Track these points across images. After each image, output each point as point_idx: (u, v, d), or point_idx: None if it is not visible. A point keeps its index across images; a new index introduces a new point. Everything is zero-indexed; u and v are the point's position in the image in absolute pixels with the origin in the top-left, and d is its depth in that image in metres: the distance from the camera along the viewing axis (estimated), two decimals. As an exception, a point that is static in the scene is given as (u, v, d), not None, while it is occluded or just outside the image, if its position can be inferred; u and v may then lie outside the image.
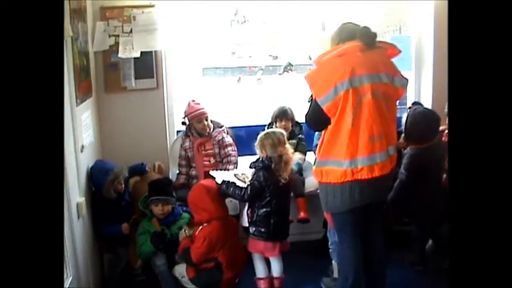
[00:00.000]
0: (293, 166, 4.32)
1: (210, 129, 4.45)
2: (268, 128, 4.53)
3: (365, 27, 3.26)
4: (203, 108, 4.42)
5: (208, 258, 3.66)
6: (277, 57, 5.71)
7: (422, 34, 4.98)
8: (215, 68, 13.27)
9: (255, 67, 5.76)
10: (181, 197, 4.15)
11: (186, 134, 4.50)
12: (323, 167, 3.25)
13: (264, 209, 3.72)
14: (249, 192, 3.68)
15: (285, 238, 3.87)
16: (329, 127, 3.18)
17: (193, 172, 4.49)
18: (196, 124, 4.42)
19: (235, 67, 6.59)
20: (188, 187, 4.28)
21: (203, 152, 4.43)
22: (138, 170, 4.31)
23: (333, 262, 3.95)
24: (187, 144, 4.48)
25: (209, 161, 4.44)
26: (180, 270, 3.82)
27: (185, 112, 4.43)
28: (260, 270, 3.89)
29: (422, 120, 3.97)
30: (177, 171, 4.58)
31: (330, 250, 3.94)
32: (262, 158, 3.73)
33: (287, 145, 3.81)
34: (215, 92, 5.97)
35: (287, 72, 4.97)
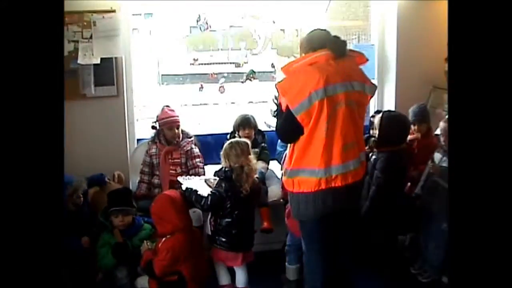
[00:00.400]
0: (256, 175, 4.28)
1: (179, 138, 4.37)
2: (230, 137, 4.48)
3: (335, 36, 3.28)
4: (177, 116, 4.36)
5: (171, 271, 3.56)
6: (240, 65, 5.65)
7: (385, 42, 5.02)
8: (175, 75, 13.19)
9: (217, 74, 5.68)
10: (142, 207, 4.06)
11: (153, 140, 4.40)
12: (295, 177, 3.20)
13: (226, 219, 3.69)
14: (208, 202, 3.65)
15: (248, 249, 3.84)
16: (302, 136, 3.12)
17: (156, 181, 4.38)
18: (167, 131, 4.34)
19: (196, 73, 6.50)
20: (150, 197, 4.20)
21: (170, 160, 4.34)
22: (97, 181, 4.19)
23: (287, 265, 4.06)
24: (153, 150, 4.38)
25: (175, 170, 4.35)
26: (143, 282, 3.72)
27: (157, 117, 4.34)
28: (222, 278, 3.86)
29: (398, 123, 3.99)
30: (138, 179, 4.46)
31: (287, 249, 4.04)
32: (225, 168, 3.70)
33: (251, 156, 3.78)
34: (176, 99, 5.84)
35: (250, 80, 4.91)
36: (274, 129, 3.84)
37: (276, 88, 3.18)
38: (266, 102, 4.18)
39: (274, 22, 4.73)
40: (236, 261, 3.78)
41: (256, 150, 4.50)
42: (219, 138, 4.60)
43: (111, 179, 4.28)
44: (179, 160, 4.37)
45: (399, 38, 4.87)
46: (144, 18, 5.25)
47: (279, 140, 4.51)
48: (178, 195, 3.74)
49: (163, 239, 3.58)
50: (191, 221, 3.78)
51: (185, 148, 4.38)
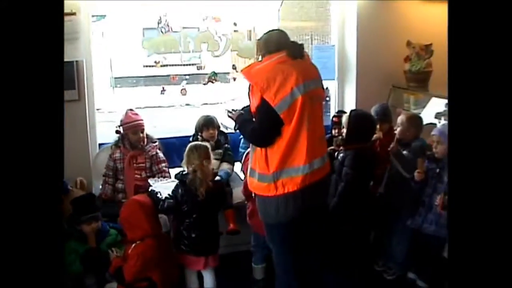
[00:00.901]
0: (221, 175, 4.28)
1: (144, 142, 4.31)
2: (193, 139, 4.46)
3: (292, 41, 3.36)
4: (141, 120, 4.30)
5: (142, 277, 3.51)
6: (202, 67, 5.63)
7: (345, 42, 5.08)
8: (129, 77, 13.06)
9: (177, 75, 5.64)
10: (106, 213, 3.99)
11: (117, 145, 4.32)
12: (278, 179, 3.18)
13: (185, 223, 3.69)
14: (164, 205, 3.66)
15: (211, 253, 3.80)
16: (283, 136, 3.12)
17: (120, 185, 4.31)
18: (131, 135, 4.28)
19: (157, 76, 6.44)
20: (114, 201, 4.13)
21: (135, 165, 4.28)
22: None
23: (253, 265, 4.16)
24: (117, 155, 4.30)
25: (140, 174, 4.29)
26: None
27: (121, 121, 4.26)
28: (189, 282, 3.85)
29: (366, 121, 4.05)
30: (102, 182, 4.36)
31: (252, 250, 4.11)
32: (182, 172, 3.73)
33: (209, 160, 3.76)
34: (130, 102, 5.77)
35: (212, 82, 4.88)
36: (233, 131, 3.89)
37: (255, 86, 3.12)
38: (224, 103, 4.20)
39: (235, 24, 4.72)
40: (199, 264, 3.76)
41: (220, 151, 4.51)
42: (182, 141, 4.55)
43: (73, 186, 4.18)
44: (143, 165, 4.31)
45: (359, 38, 4.93)
46: (96, 20, 5.16)
47: (241, 142, 4.51)
48: (147, 200, 3.70)
49: (133, 245, 3.53)
50: (160, 226, 3.75)
51: (150, 152, 4.32)
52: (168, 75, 5.71)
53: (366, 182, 4.05)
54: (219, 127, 4.59)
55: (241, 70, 3.28)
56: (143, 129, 4.31)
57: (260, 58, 3.32)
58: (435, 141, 3.71)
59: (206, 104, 11.35)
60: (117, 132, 4.35)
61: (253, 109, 3.22)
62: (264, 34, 3.41)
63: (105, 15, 4.45)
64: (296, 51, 3.24)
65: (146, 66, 13.61)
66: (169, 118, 4.44)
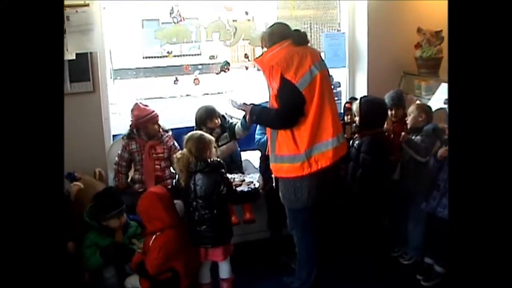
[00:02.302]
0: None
1: (160, 132, 4.31)
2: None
3: (296, 29, 3.52)
4: (154, 111, 4.28)
5: (165, 268, 3.52)
6: (214, 56, 5.61)
7: (355, 30, 5.08)
8: (129, 69, 13.00)
9: (192, 65, 5.61)
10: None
11: (130, 136, 4.29)
12: (312, 156, 3.28)
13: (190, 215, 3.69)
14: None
15: (218, 245, 3.70)
16: (310, 113, 3.24)
17: (137, 176, 4.30)
18: (150, 126, 4.26)
19: (169, 66, 6.40)
20: (131, 192, 4.15)
21: (154, 155, 4.26)
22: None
23: None
24: (133, 146, 4.27)
25: (160, 165, 4.28)
26: (133, 282, 3.67)
27: (136, 115, 4.24)
28: (201, 276, 3.81)
29: (377, 106, 4.10)
30: (115, 174, 4.35)
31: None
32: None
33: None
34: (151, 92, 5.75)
35: (224, 71, 4.87)
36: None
37: (274, 67, 3.22)
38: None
39: (246, 13, 4.71)
40: (209, 255, 3.72)
41: (226, 134, 4.51)
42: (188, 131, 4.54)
43: (91, 177, 4.18)
44: (162, 155, 4.30)
45: (370, 25, 4.92)
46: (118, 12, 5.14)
47: (257, 128, 4.52)
48: (165, 191, 3.71)
49: (153, 236, 3.54)
50: (179, 216, 3.75)
51: (168, 143, 4.32)
52: (171, 66, 5.70)
53: (384, 167, 4.06)
54: (219, 114, 4.58)
55: (255, 60, 3.34)
56: (158, 120, 4.32)
57: (266, 50, 3.45)
58: None
59: (207, 94, 11.35)
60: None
61: (273, 93, 3.29)
62: (268, 27, 3.57)
63: (104, 7, 4.39)
64: (300, 39, 3.41)
65: (146, 57, 13.63)
66: (172, 109, 4.41)
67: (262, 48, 3.51)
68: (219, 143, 4.43)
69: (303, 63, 3.24)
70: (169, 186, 4.22)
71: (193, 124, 4.48)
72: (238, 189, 3.80)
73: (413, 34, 4.88)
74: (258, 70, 3.53)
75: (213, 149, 3.71)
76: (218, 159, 3.68)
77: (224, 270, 3.80)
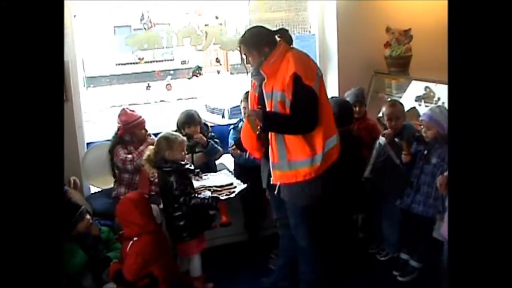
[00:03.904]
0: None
1: (148, 137, 4.36)
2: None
3: (282, 28, 3.56)
4: (141, 116, 4.33)
5: (143, 274, 3.52)
6: (186, 61, 5.62)
7: (325, 31, 5.13)
8: (102, 76, 12.92)
9: (163, 71, 5.61)
10: (98, 211, 4.10)
11: (120, 142, 4.30)
12: (326, 153, 3.34)
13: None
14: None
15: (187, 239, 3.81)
16: (322, 114, 3.31)
17: (137, 178, 4.32)
18: (138, 132, 4.30)
19: (143, 72, 6.39)
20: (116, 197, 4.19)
21: None
22: None
23: None
24: (131, 149, 4.29)
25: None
26: (111, 286, 3.66)
27: (123, 120, 4.25)
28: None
29: (344, 105, 4.25)
30: (116, 181, 4.36)
31: None
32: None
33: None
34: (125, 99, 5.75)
35: (196, 76, 4.88)
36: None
37: (297, 73, 3.20)
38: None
39: (217, 18, 4.72)
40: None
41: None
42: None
43: (66, 185, 4.16)
44: None
45: (339, 26, 4.97)
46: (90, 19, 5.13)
47: (230, 133, 4.54)
48: (141, 197, 3.73)
49: (130, 242, 3.54)
50: (156, 221, 3.77)
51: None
52: (144, 72, 5.70)
53: (354, 164, 4.11)
54: (200, 122, 4.59)
55: (262, 68, 3.30)
56: (145, 125, 4.39)
57: (255, 53, 3.38)
58: (425, 126, 3.79)
59: (181, 99, 11.34)
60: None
61: (280, 100, 3.26)
62: (247, 31, 3.54)
63: (75, 15, 4.36)
64: (291, 39, 3.50)
65: (119, 64, 13.57)
66: (146, 115, 4.43)
67: (244, 52, 3.44)
68: (196, 149, 4.46)
69: (311, 66, 3.36)
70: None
71: (168, 129, 4.50)
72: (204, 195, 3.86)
73: (382, 34, 4.94)
74: (256, 75, 3.46)
75: (178, 151, 3.78)
76: (182, 162, 3.76)
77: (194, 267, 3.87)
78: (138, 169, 4.21)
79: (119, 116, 4.28)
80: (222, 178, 4.23)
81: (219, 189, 3.99)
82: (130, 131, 4.27)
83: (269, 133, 3.37)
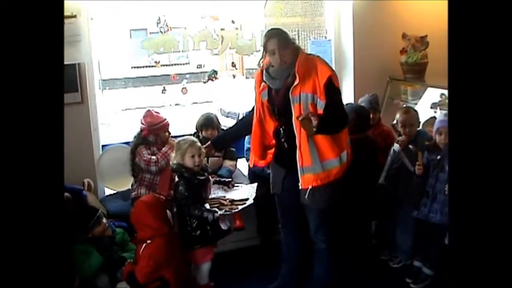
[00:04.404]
0: (222, 173, 4.36)
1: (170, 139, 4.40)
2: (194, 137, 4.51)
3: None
4: (166, 118, 4.36)
5: (155, 277, 3.53)
6: (202, 65, 5.64)
7: (341, 36, 5.13)
8: (117, 79, 12.98)
9: (179, 74, 5.64)
10: (112, 212, 4.14)
11: (144, 144, 4.29)
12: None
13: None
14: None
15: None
16: None
17: (158, 179, 4.31)
18: (162, 134, 4.32)
19: (159, 75, 6.41)
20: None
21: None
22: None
23: None
24: (154, 149, 4.30)
25: None
26: (124, 286, 3.67)
27: (148, 122, 4.27)
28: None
29: (360, 112, 4.26)
30: (137, 182, 4.32)
31: None
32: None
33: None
34: (140, 102, 5.78)
35: (212, 80, 4.90)
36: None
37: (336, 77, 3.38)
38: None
39: (233, 22, 4.74)
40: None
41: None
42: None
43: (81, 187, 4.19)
44: None
45: (355, 32, 4.97)
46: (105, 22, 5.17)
47: (246, 138, 4.55)
48: (155, 200, 3.73)
49: (143, 245, 3.56)
50: (170, 225, 3.78)
51: None
52: (160, 75, 5.70)
53: (370, 170, 4.11)
54: (218, 126, 4.61)
55: (297, 71, 3.31)
56: (169, 127, 4.41)
57: (289, 51, 3.37)
58: (445, 132, 3.76)
59: (196, 103, 11.38)
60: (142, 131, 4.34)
61: (323, 100, 3.30)
62: (274, 29, 3.50)
63: (92, 17, 4.41)
64: None
65: (135, 67, 13.63)
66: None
67: (277, 48, 3.34)
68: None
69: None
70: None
71: (184, 132, 4.54)
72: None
73: (398, 40, 4.94)
74: (273, 78, 3.46)
75: (189, 156, 3.67)
76: (190, 167, 3.68)
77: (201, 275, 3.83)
78: (161, 170, 4.22)
79: (144, 117, 4.29)
80: (246, 191, 4.07)
81: (228, 203, 3.87)
82: (155, 132, 4.28)
83: (299, 136, 3.37)
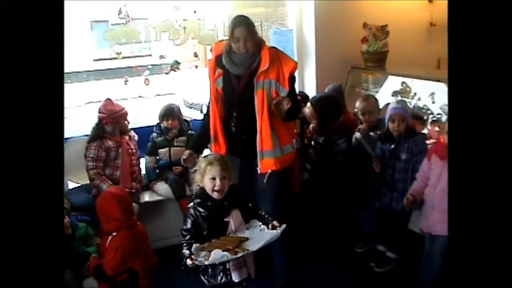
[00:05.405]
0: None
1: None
2: (156, 128, 4.52)
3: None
4: (124, 107, 4.35)
5: (123, 269, 3.51)
6: (164, 56, 5.60)
7: (303, 26, 5.17)
8: (78, 72, 12.77)
9: (141, 66, 5.59)
10: (75, 206, 4.07)
11: (101, 136, 4.28)
12: None
13: None
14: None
15: None
16: None
17: (118, 173, 4.32)
18: (122, 122, 4.33)
19: (121, 67, 6.35)
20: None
21: (129, 150, 4.35)
22: None
23: None
24: (110, 143, 4.28)
25: (134, 160, 4.42)
26: (91, 283, 3.65)
27: (109, 109, 4.26)
28: None
29: (333, 102, 4.35)
30: (95, 177, 4.23)
31: None
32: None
33: None
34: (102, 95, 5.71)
35: (174, 70, 4.88)
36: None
37: (295, 67, 3.47)
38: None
39: (195, 12, 4.73)
40: None
41: (183, 138, 4.59)
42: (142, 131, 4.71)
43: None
44: (134, 150, 4.42)
45: (317, 22, 5.03)
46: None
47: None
48: (122, 192, 3.71)
49: (109, 237, 3.53)
50: (135, 216, 3.76)
51: (135, 138, 4.47)
52: (122, 68, 5.66)
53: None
54: (180, 116, 4.64)
55: (270, 58, 3.38)
56: (127, 116, 4.41)
57: (254, 39, 3.42)
58: (398, 119, 3.82)
59: (159, 95, 11.29)
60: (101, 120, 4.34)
61: (286, 88, 3.38)
62: (240, 16, 3.53)
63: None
64: None
65: (97, 59, 13.41)
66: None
67: (245, 36, 3.36)
68: (174, 144, 4.49)
69: None
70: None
71: (148, 124, 4.55)
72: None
73: (359, 29, 5.01)
74: (234, 64, 3.47)
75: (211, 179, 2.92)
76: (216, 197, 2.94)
77: None
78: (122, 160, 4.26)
79: (103, 105, 4.30)
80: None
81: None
82: (115, 121, 4.28)
83: (261, 121, 3.40)
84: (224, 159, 3.00)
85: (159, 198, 4.52)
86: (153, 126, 4.64)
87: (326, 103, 4.21)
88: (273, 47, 3.59)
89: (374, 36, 4.98)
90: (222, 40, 3.92)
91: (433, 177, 3.47)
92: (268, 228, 2.92)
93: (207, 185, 2.91)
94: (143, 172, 4.61)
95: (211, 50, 3.73)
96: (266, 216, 3.03)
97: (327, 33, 5.04)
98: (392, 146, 3.86)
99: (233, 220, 2.93)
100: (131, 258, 3.51)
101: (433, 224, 3.43)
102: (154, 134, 4.59)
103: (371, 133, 4.11)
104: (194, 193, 3.02)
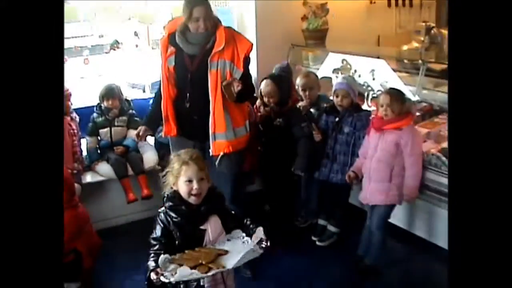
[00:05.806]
0: (128, 143, 4.45)
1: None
2: (96, 108, 4.49)
3: None
4: (67, 88, 4.29)
5: (67, 250, 3.49)
6: (102, 35, 5.52)
7: (242, 6, 5.18)
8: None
9: (81, 47, 5.50)
10: None
11: None
12: None
13: None
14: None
15: None
16: None
17: None
18: (65, 103, 4.22)
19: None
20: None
21: (71, 131, 4.27)
22: None
23: None
24: None
25: (76, 140, 4.34)
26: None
27: None
28: None
29: (287, 82, 4.35)
30: None
31: None
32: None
33: None
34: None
35: (114, 49, 4.84)
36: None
37: (251, 48, 3.48)
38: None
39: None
40: None
41: (124, 118, 4.58)
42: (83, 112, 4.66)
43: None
44: (76, 131, 4.35)
45: (257, 3, 5.04)
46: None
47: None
48: (65, 173, 3.67)
49: (51, 219, 3.51)
50: (77, 198, 3.74)
51: (76, 118, 4.41)
52: (72, 47, 5.55)
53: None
54: (120, 96, 4.62)
55: (225, 38, 3.36)
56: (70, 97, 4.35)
57: (212, 19, 3.41)
58: (341, 94, 3.91)
59: (101, 75, 11.09)
60: None
61: (240, 69, 3.40)
62: None
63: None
64: None
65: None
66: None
67: (203, 16, 3.35)
68: (115, 124, 4.47)
69: None
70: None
71: (89, 104, 4.50)
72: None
73: (299, 7, 5.05)
74: (189, 43, 3.44)
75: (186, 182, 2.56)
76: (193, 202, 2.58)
77: None
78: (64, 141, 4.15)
79: None
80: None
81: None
82: None
83: (214, 102, 3.40)
84: (200, 157, 2.65)
85: (101, 178, 4.48)
86: (93, 106, 4.59)
87: (285, 81, 4.22)
88: (229, 27, 3.55)
89: (314, 13, 5.04)
90: (176, 17, 3.80)
91: (370, 150, 3.58)
92: (251, 240, 2.53)
93: (182, 189, 2.54)
94: (85, 153, 4.56)
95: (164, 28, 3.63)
96: (251, 226, 2.64)
97: (267, 11, 5.05)
98: (337, 119, 3.94)
99: (211, 228, 2.56)
100: (73, 238, 3.49)
101: (371, 194, 3.55)
102: (95, 115, 4.55)
103: (312, 110, 4.19)
104: (165, 195, 2.64)
